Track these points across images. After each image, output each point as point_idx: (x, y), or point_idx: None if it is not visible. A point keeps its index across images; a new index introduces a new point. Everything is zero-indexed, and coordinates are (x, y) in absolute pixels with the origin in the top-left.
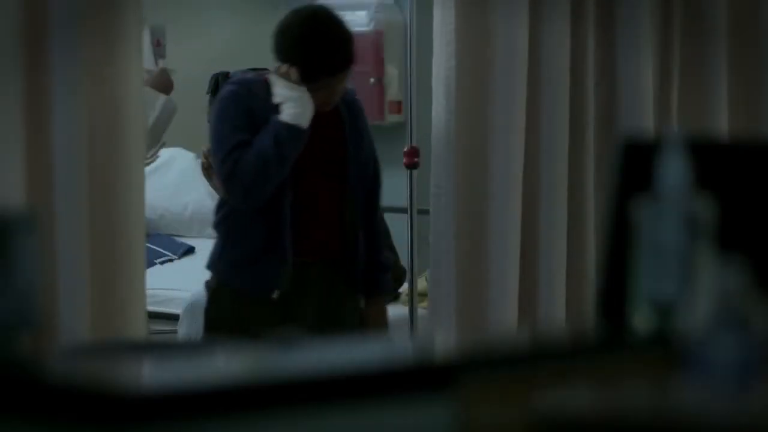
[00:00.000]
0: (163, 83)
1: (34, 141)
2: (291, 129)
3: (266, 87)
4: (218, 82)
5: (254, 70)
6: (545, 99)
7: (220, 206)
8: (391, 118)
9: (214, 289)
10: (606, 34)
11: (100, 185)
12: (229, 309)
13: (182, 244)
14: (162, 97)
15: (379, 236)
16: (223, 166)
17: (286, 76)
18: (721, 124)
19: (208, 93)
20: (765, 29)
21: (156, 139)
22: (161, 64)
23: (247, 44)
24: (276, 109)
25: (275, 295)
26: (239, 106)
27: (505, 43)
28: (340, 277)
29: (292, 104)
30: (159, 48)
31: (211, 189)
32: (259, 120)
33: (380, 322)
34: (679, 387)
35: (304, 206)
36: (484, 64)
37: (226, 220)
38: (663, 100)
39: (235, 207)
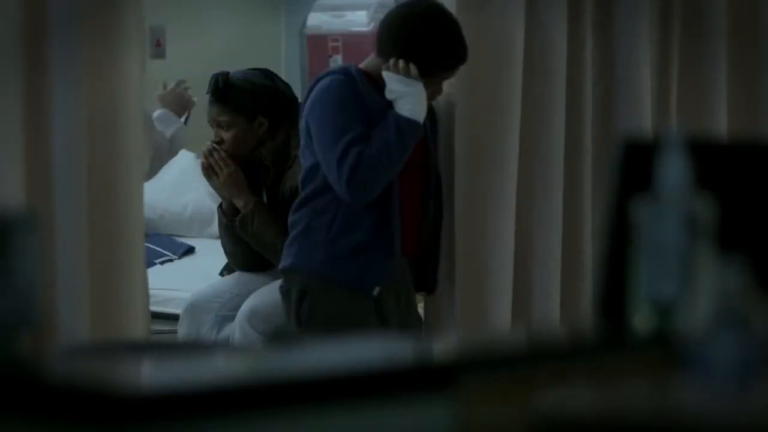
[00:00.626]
0: (180, 102)
1: (33, 141)
2: (412, 124)
3: (367, 80)
4: (218, 82)
5: (255, 70)
6: (541, 98)
7: (308, 199)
8: None
9: (306, 282)
10: (604, 34)
11: (99, 185)
12: (327, 303)
13: (182, 244)
14: (179, 122)
15: (441, 232)
16: (345, 158)
17: (403, 72)
18: (721, 124)
19: (208, 93)
20: (764, 29)
21: (161, 161)
22: (172, 84)
23: (247, 44)
24: (383, 104)
25: (376, 292)
26: (352, 96)
27: (501, 42)
28: (414, 274)
29: (410, 99)
30: (159, 48)
31: (211, 189)
32: (371, 112)
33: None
34: (679, 387)
35: (401, 202)
36: (480, 63)
37: (322, 214)
38: (662, 100)
39: (346, 202)
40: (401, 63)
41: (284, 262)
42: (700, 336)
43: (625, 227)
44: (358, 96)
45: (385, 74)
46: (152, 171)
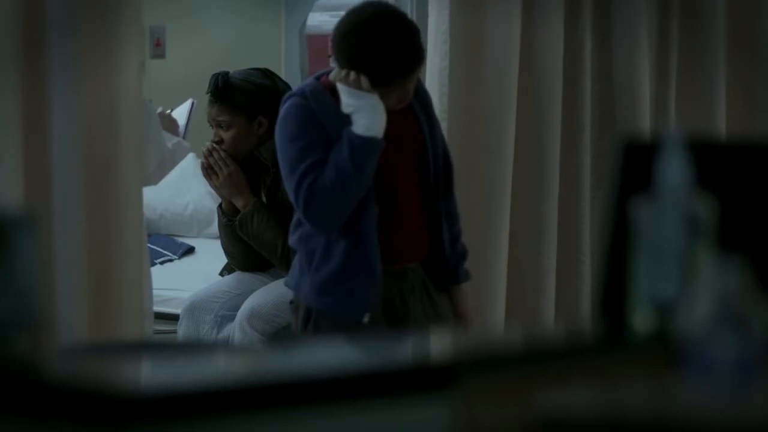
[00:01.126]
0: (168, 122)
1: (32, 141)
2: (366, 142)
3: (330, 93)
4: (218, 81)
5: (255, 69)
6: (538, 99)
7: (298, 225)
8: None
9: (304, 313)
10: (603, 35)
11: (98, 185)
12: (327, 330)
13: (182, 244)
14: (176, 138)
15: (456, 225)
16: (299, 191)
17: (355, 84)
18: (719, 124)
19: (208, 93)
20: (763, 29)
21: (165, 168)
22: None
23: (247, 44)
24: (342, 119)
25: (366, 318)
26: (307, 121)
27: (499, 43)
28: (429, 276)
29: (365, 114)
30: (159, 48)
31: (211, 189)
32: (331, 132)
33: (467, 312)
34: (679, 387)
35: (388, 213)
36: (478, 64)
37: (307, 241)
38: (660, 101)
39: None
40: (352, 75)
41: (288, 281)
42: (700, 336)
43: (625, 227)
44: (312, 119)
45: (339, 87)
46: (157, 175)
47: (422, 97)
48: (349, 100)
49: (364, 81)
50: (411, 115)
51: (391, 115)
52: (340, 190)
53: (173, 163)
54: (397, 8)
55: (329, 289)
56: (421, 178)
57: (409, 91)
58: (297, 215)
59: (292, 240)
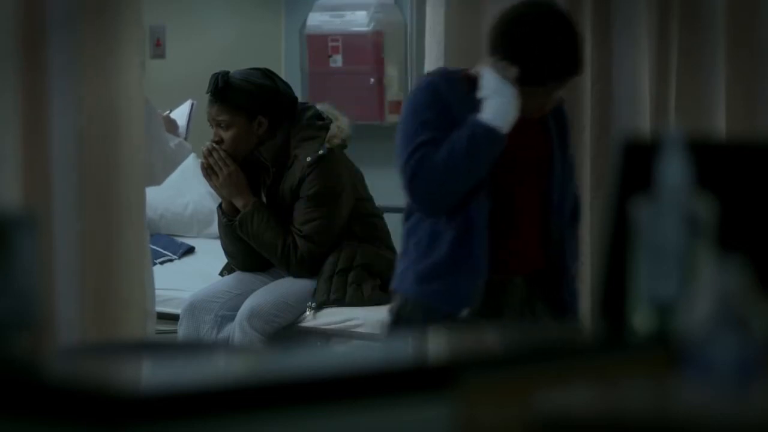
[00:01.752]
0: (168, 123)
1: (32, 141)
2: (489, 132)
3: (467, 84)
4: (218, 81)
5: (255, 69)
6: None
7: (410, 213)
8: (391, 118)
9: (400, 303)
10: (603, 35)
11: (99, 185)
12: (415, 325)
13: (182, 244)
14: (177, 138)
15: (576, 250)
16: (406, 165)
17: (500, 71)
18: (719, 124)
19: (208, 92)
20: (763, 29)
21: (169, 167)
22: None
23: (247, 44)
24: (473, 106)
25: (464, 313)
26: (435, 99)
27: None
28: (539, 294)
29: (497, 103)
30: (159, 48)
31: (211, 189)
32: (456, 115)
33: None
34: (679, 387)
35: (503, 216)
36: (476, 65)
37: (415, 231)
38: (660, 101)
39: (420, 213)
40: (502, 64)
41: (391, 284)
42: (700, 336)
43: (625, 227)
44: (440, 98)
45: (483, 70)
46: (163, 174)
47: (560, 120)
48: (487, 84)
49: (511, 71)
50: (544, 133)
51: (525, 128)
52: (448, 171)
53: (176, 164)
54: (565, 11)
55: (432, 279)
56: (542, 200)
57: (550, 101)
58: (407, 205)
59: (405, 228)
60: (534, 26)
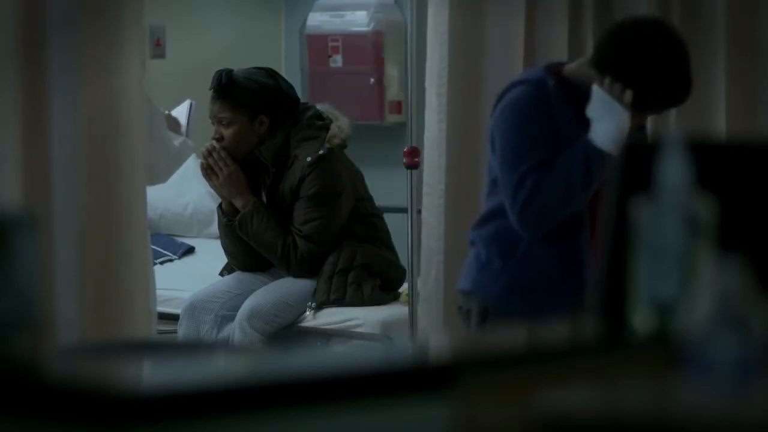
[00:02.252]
0: (171, 123)
1: (32, 141)
2: (603, 156)
3: (562, 89)
4: (221, 78)
5: (258, 68)
6: None
7: (492, 217)
8: (391, 118)
9: (485, 306)
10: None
11: (100, 185)
12: (497, 329)
13: (182, 244)
14: (181, 137)
15: None
16: (519, 189)
17: (616, 95)
18: (719, 124)
19: (211, 89)
20: (763, 29)
21: (172, 166)
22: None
23: (247, 44)
24: (577, 117)
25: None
26: (539, 114)
27: (499, 43)
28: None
29: (610, 126)
30: (159, 48)
31: (210, 189)
32: (563, 130)
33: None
34: (679, 387)
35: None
36: (478, 64)
37: (508, 235)
38: None
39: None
40: (618, 87)
41: (462, 284)
42: (700, 336)
43: (625, 227)
44: (546, 112)
45: (594, 89)
46: (167, 173)
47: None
48: (599, 106)
49: (628, 96)
50: None
51: None
52: (566, 196)
53: (180, 162)
54: (683, 39)
55: (530, 291)
56: None
57: (644, 121)
58: (488, 209)
59: (477, 234)
60: (654, 52)
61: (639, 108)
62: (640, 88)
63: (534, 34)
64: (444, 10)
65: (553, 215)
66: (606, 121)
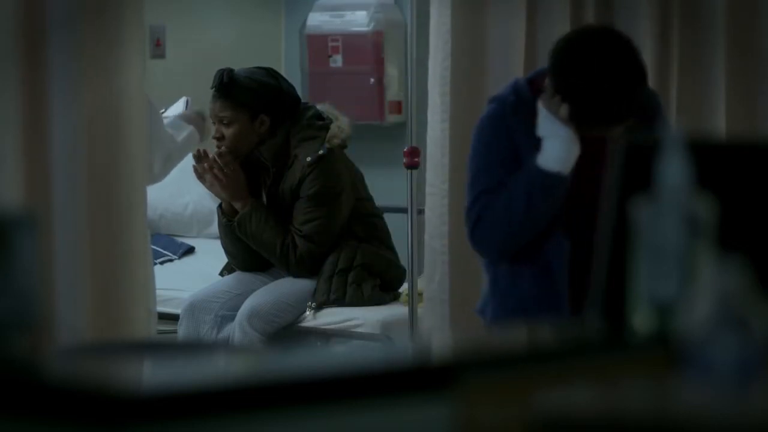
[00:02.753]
0: (197, 124)
1: (33, 141)
2: (547, 178)
3: (527, 104)
4: (223, 77)
5: (260, 68)
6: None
7: None
8: (391, 118)
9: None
10: None
11: (100, 185)
12: None
13: (182, 244)
14: (189, 128)
15: None
16: (469, 214)
17: (553, 110)
18: (719, 124)
19: (212, 88)
20: (763, 29)
21: (172, 163)
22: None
23: (247, 44)
24: (534, 137)
25: None
26: (499, 136)
27: (501, 43)
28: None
29: (554, 144)
30: (159, 48)
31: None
32: (523, 153)
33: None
34: (679, 387)
35: (581, 255)
36: (481, 64)
37: (493, 265)
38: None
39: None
40: (555, 99)
41: (477, 304)
42: (700, 336)
43: (625, 227)
44: (504, 134)
45: (539, 106)
46: (163, 173)
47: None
48: (543, 124)
49: (563, 110)
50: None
51: (597, 160)
52: (509, 223)
53: (181, 155)
54: (629, 41)
55: (515, 314)
56: None
57: (616, 133)
58: None
59: (484, 264)
60: (586, 63)
61: (582, 123)
62: (575, 102)
63: (535, 33)
64: (446, 10)
65: (503, 238)
66: (551, 139)
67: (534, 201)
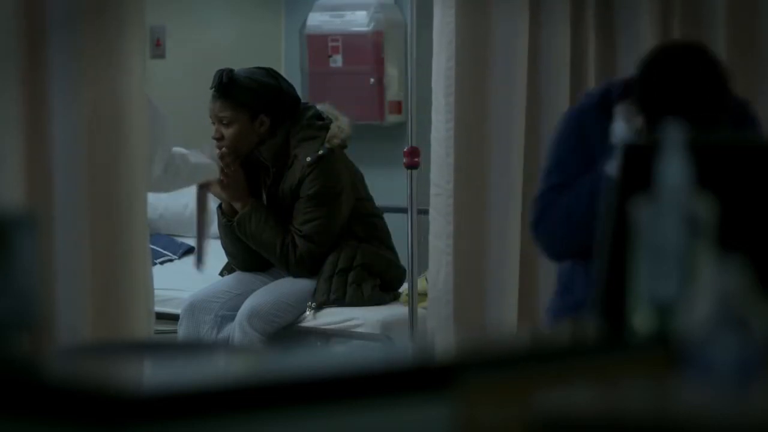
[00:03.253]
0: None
1: (33, 141)
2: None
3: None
4: (222, 77)
5: (260, 68)
6: (546, 97)
7: None
8: (391, 118)
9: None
10: (606, 31)
11: (101, 185)
12: None
13: (182, 244)
14: (210, 162)
15: None
16: (534, 208)
17: (629, 117)
18: None
19: (212, 88)
20: (763, 28)
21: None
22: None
23: (247, 44)
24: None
25: None
26: (574, 133)
27: (505, 42)
28: None
29: None
30: (159, 48)
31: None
32: (597, 154)
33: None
34: (679, 387)
35: None
36: (484, 63)
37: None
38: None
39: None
40: (632, 110)
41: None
42: (700, 336)
43: (625, 227)
44: (579, 133)
45: (615, 112)
46: (166, 180)
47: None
48: (617, 131)
49: (636, 121)
50: None
51: None
52: (569, 226)
53: (191, 179)
54: (716, 69)
55: (562, 316)
56: None
57: None
58: None
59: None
60: (664, 77)
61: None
62: (650, 116)
63: (537, 33)
64: (450, 9)
65: (561, 238)
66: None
67: (595, 206)
